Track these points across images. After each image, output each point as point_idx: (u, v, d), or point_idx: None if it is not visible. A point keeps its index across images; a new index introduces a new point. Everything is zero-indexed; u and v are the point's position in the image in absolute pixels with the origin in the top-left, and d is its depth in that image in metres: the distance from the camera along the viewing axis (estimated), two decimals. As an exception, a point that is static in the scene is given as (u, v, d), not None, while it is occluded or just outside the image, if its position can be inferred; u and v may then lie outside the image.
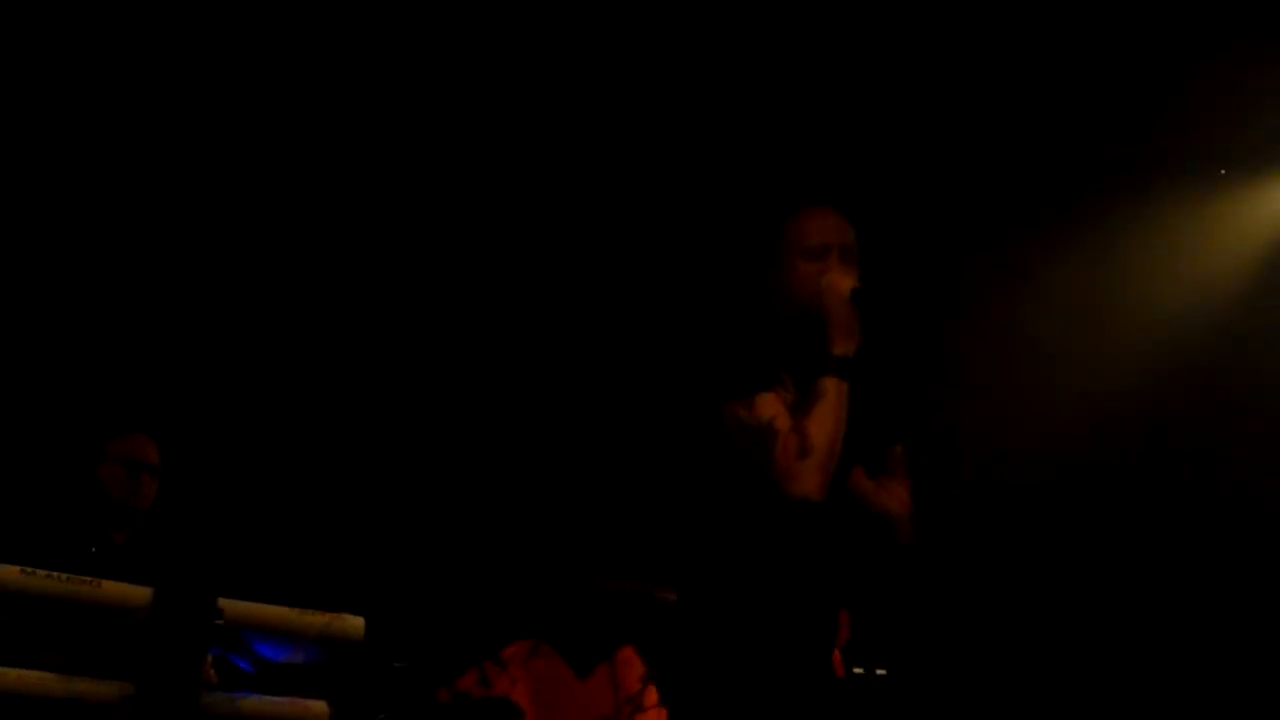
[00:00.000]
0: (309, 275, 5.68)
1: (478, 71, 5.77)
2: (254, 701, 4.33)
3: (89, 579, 4.09)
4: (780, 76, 6.02)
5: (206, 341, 5.36)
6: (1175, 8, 5.92)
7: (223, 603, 4.32)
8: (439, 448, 5.59)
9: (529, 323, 5.98)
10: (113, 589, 4.16)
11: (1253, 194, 6.65)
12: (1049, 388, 6.47)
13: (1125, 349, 6.62)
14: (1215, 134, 6.44)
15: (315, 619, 4.44)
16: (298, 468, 5.34)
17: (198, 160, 5.55)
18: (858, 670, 3.81)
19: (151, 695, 4.13)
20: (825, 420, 3.37)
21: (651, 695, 4.13)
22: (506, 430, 5.69)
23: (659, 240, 6.15)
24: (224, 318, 5.41)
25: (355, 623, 4.47)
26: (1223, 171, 6.62)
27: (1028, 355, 6.57)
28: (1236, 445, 6.78)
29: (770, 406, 3.40)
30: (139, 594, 4.25)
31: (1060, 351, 6.55)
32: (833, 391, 3.39)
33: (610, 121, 6.00)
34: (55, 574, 4.03)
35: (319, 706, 4.39)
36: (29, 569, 3.98)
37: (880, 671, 3.80)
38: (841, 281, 3.48)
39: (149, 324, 5.42)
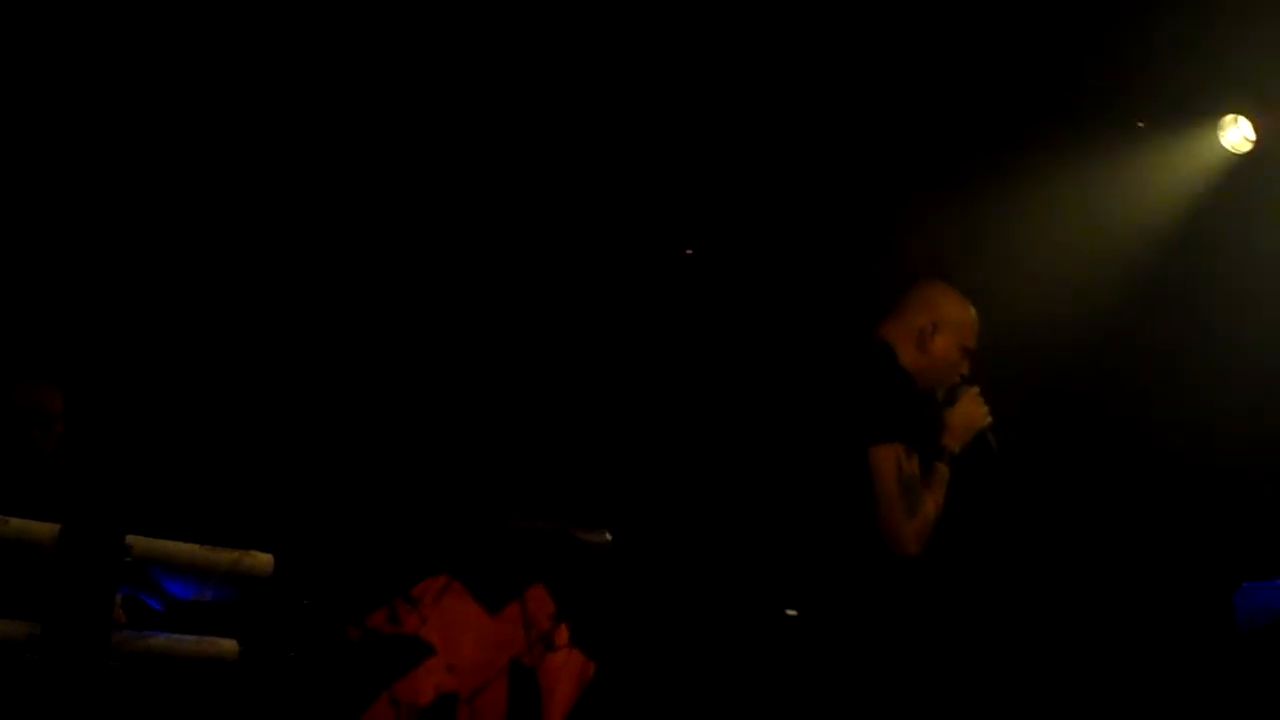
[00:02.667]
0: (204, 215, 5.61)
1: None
2: (163, 640, 4.30)
3: (-7, 516, 4.05)
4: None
5: (109, 281, 5.30)
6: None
7: (131, 539, 4.29)
8: (350, 381, 5.56)
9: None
10: (19, 526, 4.12)
11: (1172, 145, 6.68)
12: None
13: (1044, 301, 6.66)
14: (1132, 86, 6.46)
15: (224, 556, 4.42)
16: (204, 402, 5.30)
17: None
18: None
19: (59, 634, 4.10)
20: (939, 496, 3.96)
21: (563, 634, 4.15)
22: (419, 363, 5.68)
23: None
24: (125, 258, 5.35)
25: (264, 559, 4.46)
26: (1140, 124, 6.64)
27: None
28: (1157, 396, 6.85)
29: (915, 466, 3.90)
30: (45, 530, 4.21)
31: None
32: (946, 476, 4.03)
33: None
34: (-43, 512, 3.99)
35: (228, 644, 4.38)
36: (-68, 508, 3.94)
37: (790, 612, 3.84)
38: (983, 416, 4.17)
39: (51, 266, 5.35)
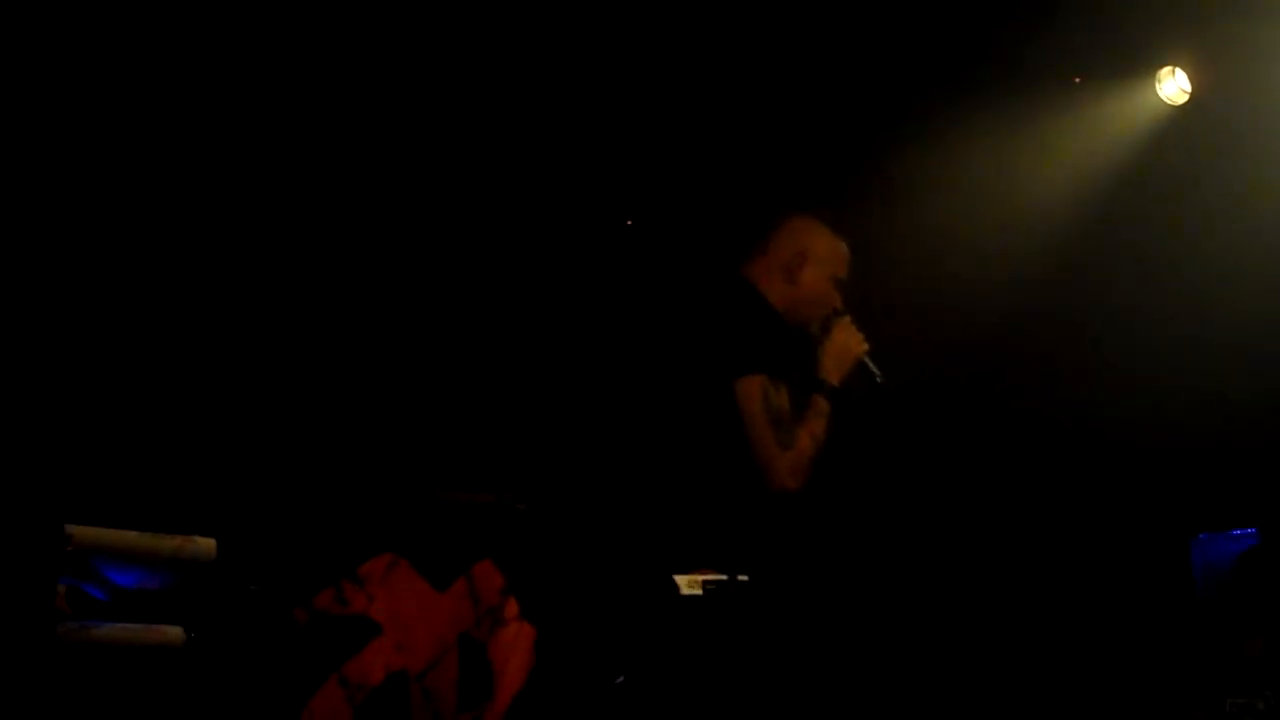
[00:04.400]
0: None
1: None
2: (108, 630, 4.27)
3: (-70, 510, 4.00)
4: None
5: (41, 268, 5.23)
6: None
7: (71, 528, 4.25)
8: (287, 362, 5.51)
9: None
10: (-45, 519, 4.08)
11: (1110, 99, 6.67)
12: (902, 295, 6.50)
13: (986, 254, 6.65)
14: (1070, 40, 6.44)
15: (166, 542, 4.39)
16: (141, 387, 5.24)
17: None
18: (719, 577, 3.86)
19: (2, 627, 4.06)
20: (817, 431, 3.93)
21: (512, 607, 4.13)
22: (354, 343, 5.64)
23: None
24: (55, 245, 5.28)
25: (206, 544, 4.42)
26: (1076, 79, 6.63)
27: (881, 267, 6.60)
28: (1091, 353, 6.86)
29: (785, 398, 3.75)
30: (-18, 523, 4.17)
31: (915, 261, 6.57)
32: (825, 410, 3.99)
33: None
34: (-107, 506, 3.94)
35: (173, 632, 4.35)
36: None
37: (742, 578, 3.83)
38: (859, 344, 4.09)
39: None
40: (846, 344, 4.02)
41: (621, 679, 3.67)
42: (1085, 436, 6.98)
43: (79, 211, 5.27)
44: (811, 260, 4.13)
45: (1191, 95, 6.63)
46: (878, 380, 4.17)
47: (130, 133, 5.42)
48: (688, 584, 3.76)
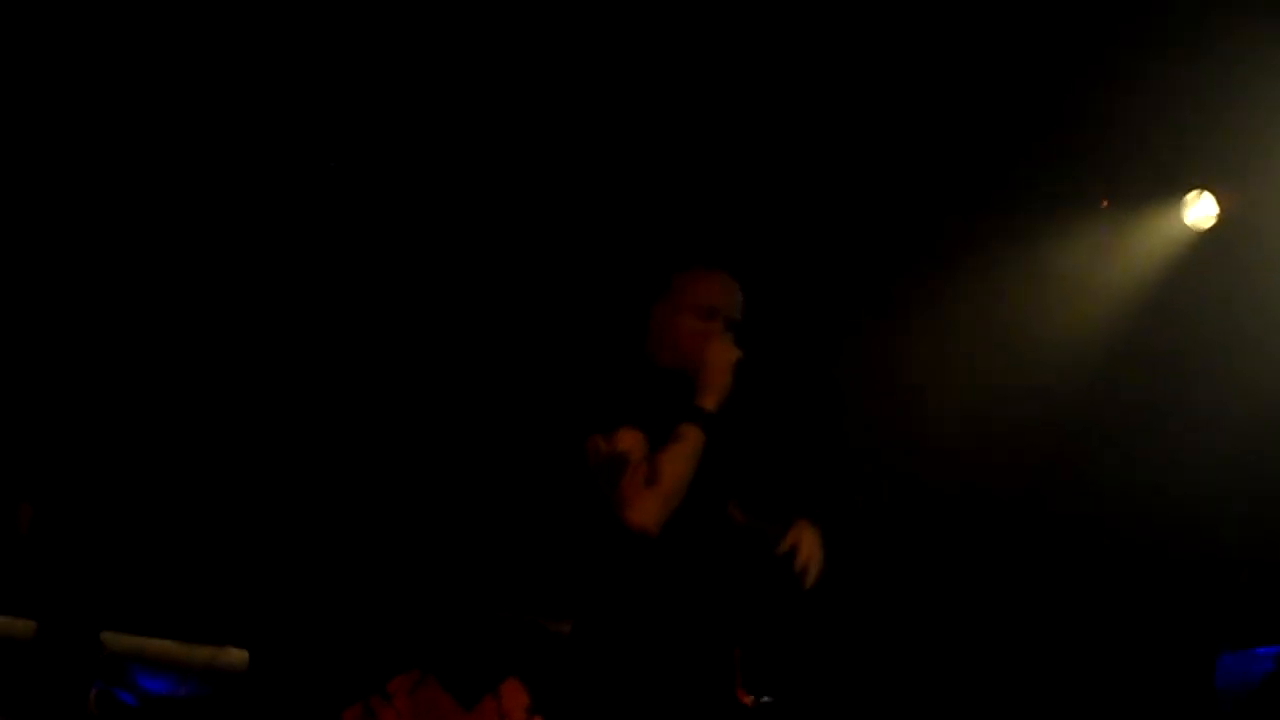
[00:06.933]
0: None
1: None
2: (137, 737, 4.34)
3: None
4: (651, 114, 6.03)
5: (70, 365, 5.32)
6: (1052, 32, 5.97)
7: (105, 635, 4.32)
8: (316, 480, 5.58)
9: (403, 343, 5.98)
10: (-5, 623, 4.16)
11: (1139, 223, 6.69)
12: (936, 421, 6.52)
13: (1014, 379, 6.66)
14: (1098, 165, 6.47)
15: (199, 652, 4.46)
16: (178, 499, 5.32)
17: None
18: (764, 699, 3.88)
19: (34, 732, 4.13)
20: (677, 460, 3.56)
21: (537, 726, 4.18)
22: (382, 464, 5.70)
23: (537, 266, 6.17)
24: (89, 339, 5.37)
25: (239, 655, 4.49)
26: (1105, 203, 6.65)
27: (914, 392, 6.61)
28: (1128, 471, 6.85)
29: (629, 440, 3.57)
30: (22, 627, 4.24)
31: (946, 388, 6.58)
32: (691, 437, 3.59)
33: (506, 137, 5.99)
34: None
35: (203, 741, 4.41)
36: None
37: (765, 699, 3.86)
38: (728, 350, 3.69)
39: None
40: (717, 359, 3.68)
41: None
42: (1115, 551, 6.99)
43: (99, 321, 5.36)
44: (678, 303, 3.93)
45: (1220, 218, 6.66)
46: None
47: (158, 164, 5.50)
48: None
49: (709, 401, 3.64)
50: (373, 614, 4.75)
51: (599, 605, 3.65)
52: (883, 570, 6.55)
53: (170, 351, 5.50)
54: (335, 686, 4.37)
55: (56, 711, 4.28)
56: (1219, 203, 6.68)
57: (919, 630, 6.74)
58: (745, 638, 3.77)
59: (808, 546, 3.76)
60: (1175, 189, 6.70)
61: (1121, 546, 6.95)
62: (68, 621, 4.34)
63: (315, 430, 5.60)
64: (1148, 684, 6.86)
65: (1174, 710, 6.78)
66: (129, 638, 4.37)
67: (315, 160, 5.80)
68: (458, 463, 5.75)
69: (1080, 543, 6.96)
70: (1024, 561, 6.91)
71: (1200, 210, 6.71)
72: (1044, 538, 6.92)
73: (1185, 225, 6.70)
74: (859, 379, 6.46)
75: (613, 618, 3.63)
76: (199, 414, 5.43)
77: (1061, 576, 6.98)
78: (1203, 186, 6.71)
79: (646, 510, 3.51)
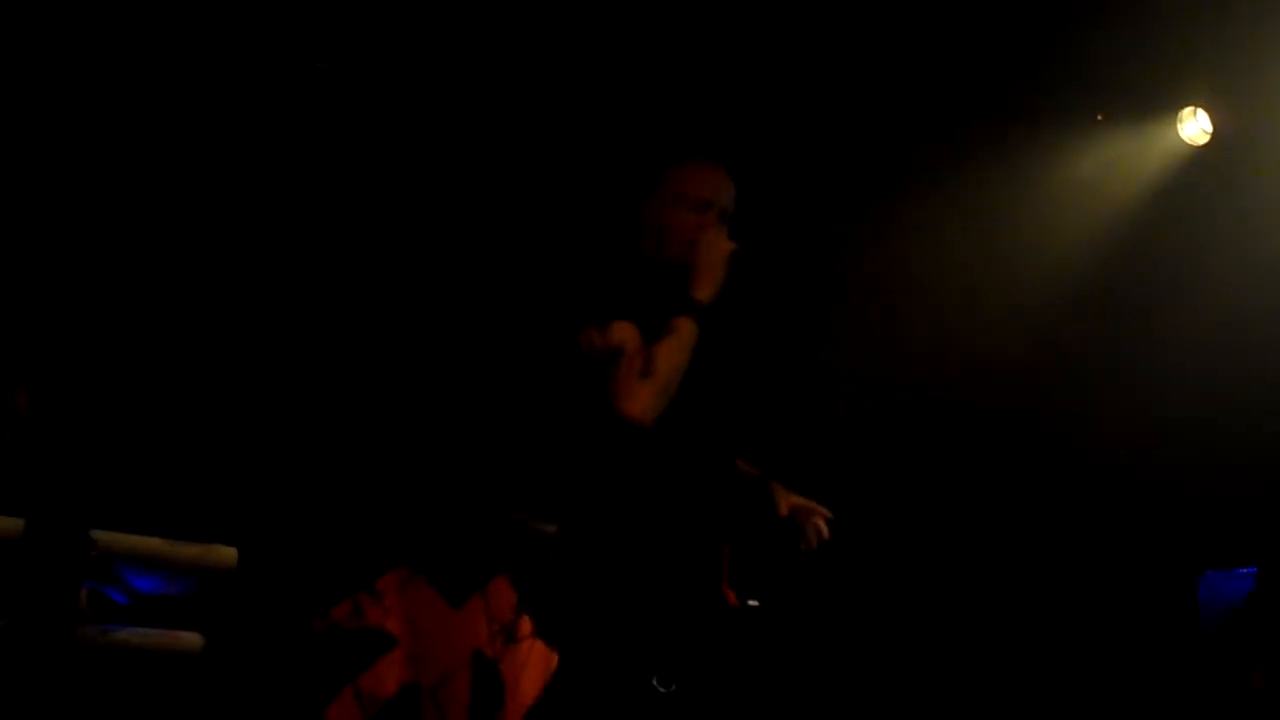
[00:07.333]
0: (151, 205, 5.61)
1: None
2: (127, 634, 4.34)
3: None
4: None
5: (70, 273, 5.31)
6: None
7: (95, 533, 4.32)
8: (310, 376, 5.58)
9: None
10: (-18, 520, 4.16)
11: (1135, 137, 6.68)
12: (925, 331, 6.52)
13: (1005, 291, 6.66)
14: (1094, 80, 6.45)
15: (188, 550, 4.46)
16: (166, 396, 5.32)
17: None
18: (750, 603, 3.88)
19: (25, 628, 4.13)
20: (672, 351, 3.57)
21: (525, 625, 4.19)
22: (374, 359, 5.70)
23: (529, 168, 6.14)
24: (85, 252, 5.35)
25: (228, 553, 4.50)
26: (1099, 116, 6.64)
27: (904, 299, 6.61)
28: (1113, 392, 6.86)
29: (624, 331, 3.58)
30: (10, 525, 4.24)
31: (938, 297, 6.59)
32: (685, 329, 3.61)
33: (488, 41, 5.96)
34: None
35: (192, 638, 4.42)
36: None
37: (752, 603, 3.86)
38: (722, 241, 3.70)
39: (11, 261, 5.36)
40: (710, 253, 3.67)
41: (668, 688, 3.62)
42: (1099, 470, 7.01)
43: (102, 216, 5.34)
44: (665, 194, 3.89)
45: (1213, 135, 6.65)
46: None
47: (145, 143, 5.49)
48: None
49: (703, 293, 3.64)
50: (362, 512, 4.76)
51: (589, 499, 3.66)
52: (865, 481, 6.58)
53: (162, 245, 5.48)
54: (324, 584, 4.39)
55: (47, 609, 4.29)
56: (1213, 119, 6.68)
57: (902, 542, 6.78)
58: (735, 535, 3.79)
59: (813, 527, 3.84)
60: (1171, 104, 6.71)
61: (1108, 463, 6.98)
62: (57, 519, 4.33)
63: (304, 327, 5.59)
64: (1132, 599, 6.91)
65: (1159, 624, 6.83)
66: (118, 535, 4.36)
67: (297, 63, 5.77)
68: (449, 360, 5.76)
69: (1066, 459, 6.99)
70: (1010, 475, 6.95)
71: (1195, 127, 6.71)
72: (1030, 452, 6.95)
73: (1181, 140, 6.71)
74: (848, 284, 6.48)
75: (603, 511, 3.64)
76: (188, 312, 5.42)
77: (1047, 492, 7.01)
78: (1197, 103, 6.71)
79: (641, 401, 3.53)
